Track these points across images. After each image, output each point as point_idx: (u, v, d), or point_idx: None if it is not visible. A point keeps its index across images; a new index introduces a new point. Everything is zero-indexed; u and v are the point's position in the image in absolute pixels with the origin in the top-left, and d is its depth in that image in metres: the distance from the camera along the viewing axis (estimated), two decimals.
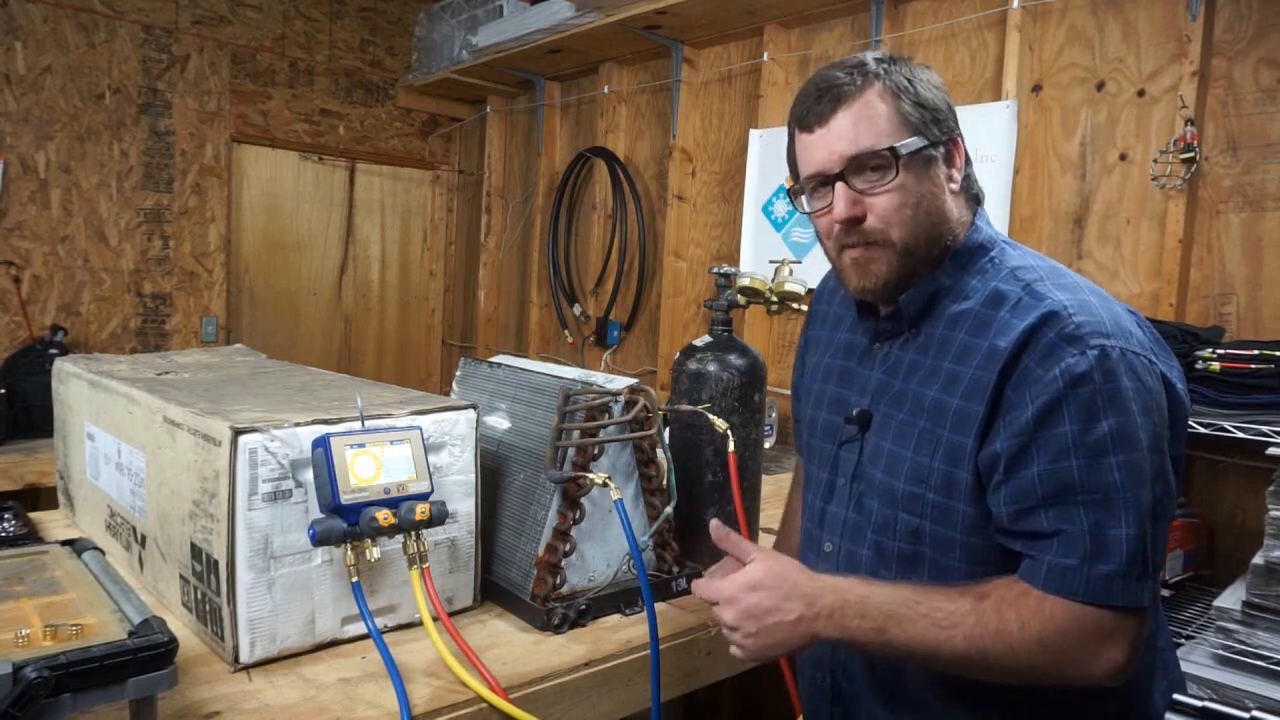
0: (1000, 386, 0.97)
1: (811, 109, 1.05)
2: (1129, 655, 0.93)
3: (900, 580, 1.04)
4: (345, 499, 1.11)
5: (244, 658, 1.14)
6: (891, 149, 1.01)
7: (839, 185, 1.03)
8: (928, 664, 0.99)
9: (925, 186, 1.03)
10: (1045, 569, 0.93)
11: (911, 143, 1.02)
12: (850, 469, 1.12)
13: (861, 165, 1.02)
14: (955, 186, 1.07)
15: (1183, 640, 1.73)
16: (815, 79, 1.07)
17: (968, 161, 1.09)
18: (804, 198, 1.09)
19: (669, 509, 1.35)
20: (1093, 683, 0.94)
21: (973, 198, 1.11)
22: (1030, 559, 0.95)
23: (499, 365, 1.60)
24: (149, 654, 0.84)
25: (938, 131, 1.04)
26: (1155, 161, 2.23)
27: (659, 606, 1.38)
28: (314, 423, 1.18)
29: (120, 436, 1.44)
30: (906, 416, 1.06)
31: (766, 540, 1.58)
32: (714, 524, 1.08)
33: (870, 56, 1.06)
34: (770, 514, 1.70)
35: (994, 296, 1.02)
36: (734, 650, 1.01)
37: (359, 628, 1.22)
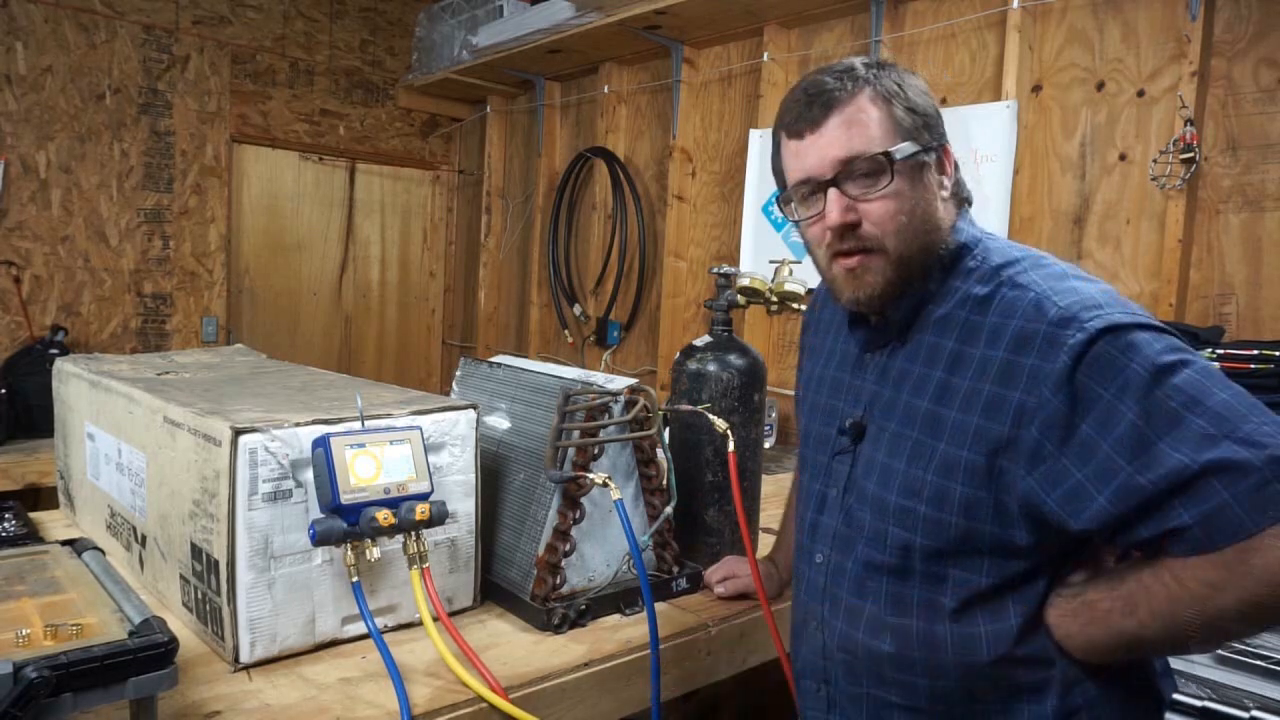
0: (1015, 397, 0.93)
1: (802, 114, 1.03)
2: None
3: (889, 593, 1.03)
4: (345, 499, 1.11)
5: (244, 658, 1.14)
6: (886, 153, 0.99)
7: (832, 191, 1.01)
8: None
9: (919, 193, 1.02)
10: (1199, 527, 0.83)
11: (905, 148, 1.00)
12: (842, 480, 1.10)
13: (854, 170, 1.00)
14: (946, 193, 1.05)
15: None
16: (803, 85, 1.05)
17: (956, 167, 1.08)
18: (793, 205, 1.07)
19: (669, 509, 1.35)
20: None
21: (961, 201, 1.09)
22: (1170, 535, 0.86)
23: (499, 365, 1.60)
24: (149, 654, 0.84)
25: (929, 137, 1.03)
26: (1155, 161, 2.23)
27: (659, 606, 1.38)
28: (314, 423, 1.18)
29: (120, 436, 1.44)
30: (899, 428, 1.04)
31: (766, 540, 1.58)
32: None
33: (859, 61, 1.04)
34: (770, 514, 1.70)
35: (979, 300, 1.00)
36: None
37: (359, 628, 1.22)
